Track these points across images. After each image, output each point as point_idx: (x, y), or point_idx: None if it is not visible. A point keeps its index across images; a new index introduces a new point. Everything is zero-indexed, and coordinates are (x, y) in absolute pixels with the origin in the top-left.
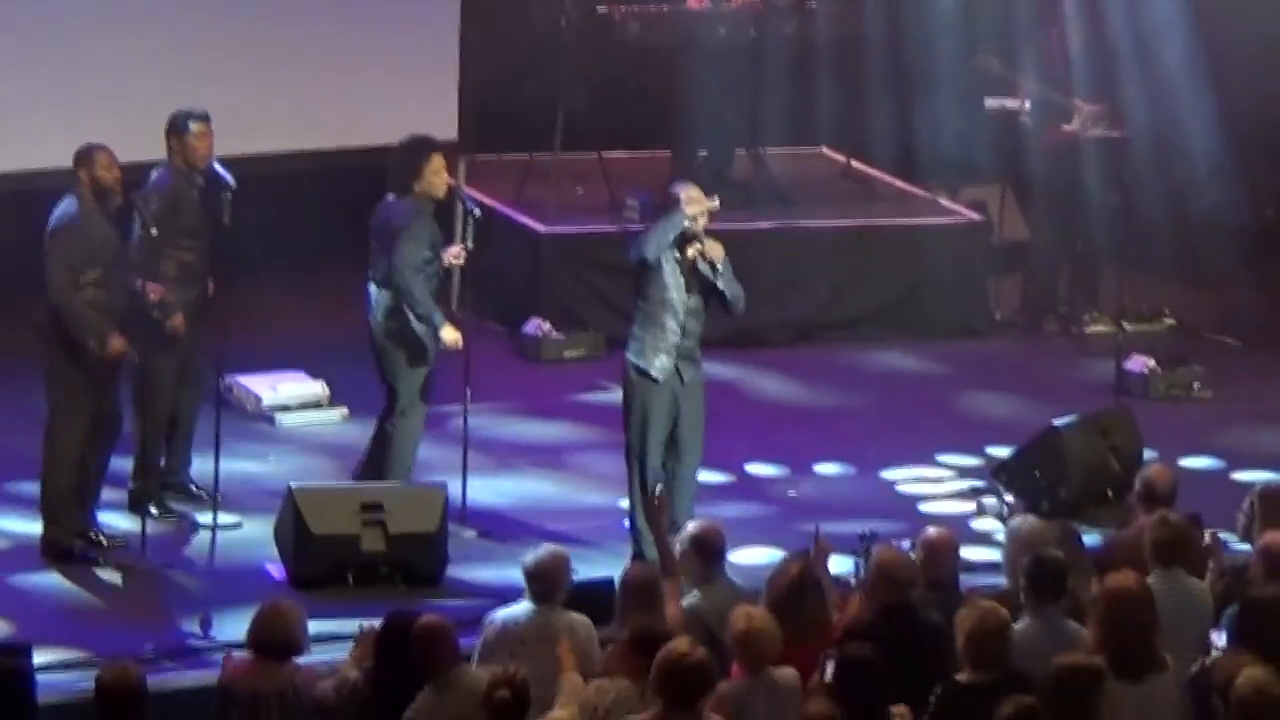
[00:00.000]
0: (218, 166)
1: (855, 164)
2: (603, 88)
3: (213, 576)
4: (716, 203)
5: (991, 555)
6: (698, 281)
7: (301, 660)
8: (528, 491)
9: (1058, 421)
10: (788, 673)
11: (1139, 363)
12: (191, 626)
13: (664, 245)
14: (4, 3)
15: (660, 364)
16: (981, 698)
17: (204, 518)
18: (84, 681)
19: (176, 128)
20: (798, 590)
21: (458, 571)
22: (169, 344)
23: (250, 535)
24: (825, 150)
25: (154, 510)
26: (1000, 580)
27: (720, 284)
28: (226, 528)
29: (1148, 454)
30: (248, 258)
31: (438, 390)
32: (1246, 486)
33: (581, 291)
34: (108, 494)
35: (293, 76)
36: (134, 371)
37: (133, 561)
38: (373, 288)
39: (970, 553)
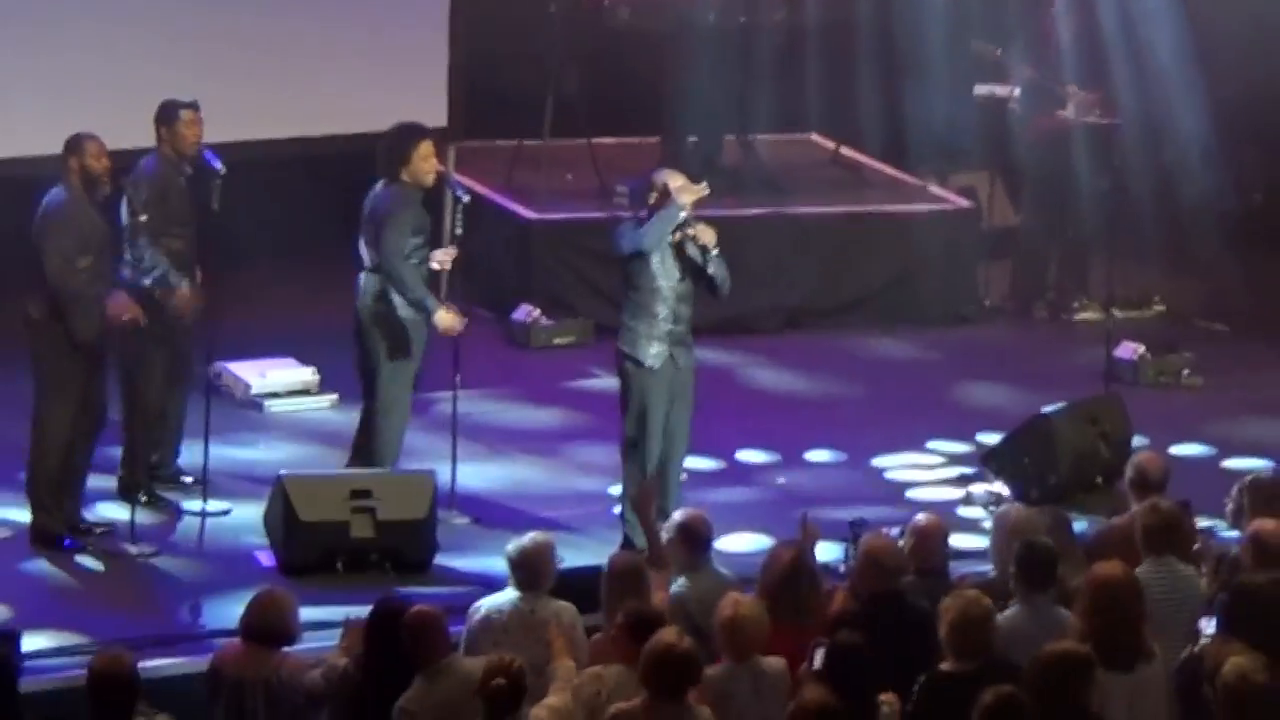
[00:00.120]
0: (207, 154)
1: (844, 150)
2: (592, 74)
3: (202, 563)
4: (706, 188)
5: (979, 543)
6: (687, 266)
7: (286, 650)
8: (517, 478)
9: (1047, 408)
10: (775, 662)
11: (1128, 349)
12: (182, 613)
13: (664, 238)
14: None
15: (655, 352)
16: (965, 686)
17: (193, 505)
18: (73, 668)
19: (166, 116)
20: (792, 576)
21: (447, 558)
22: (162, 332)
23: (239, 522)
24: (815, 137)
25: (143, 498)
26: (988, 567)
27: (711, 269)
28: (215, 514)
29: (1137, 441)
30: (237, 245)
31: (427, 377)
32: (1236, 474)
33: (571, 278)
34: (97, 482)
35: (282, 63)
36: (122, 360)
37: (120, 549)
38: (362, 275)
39: (958, 540)
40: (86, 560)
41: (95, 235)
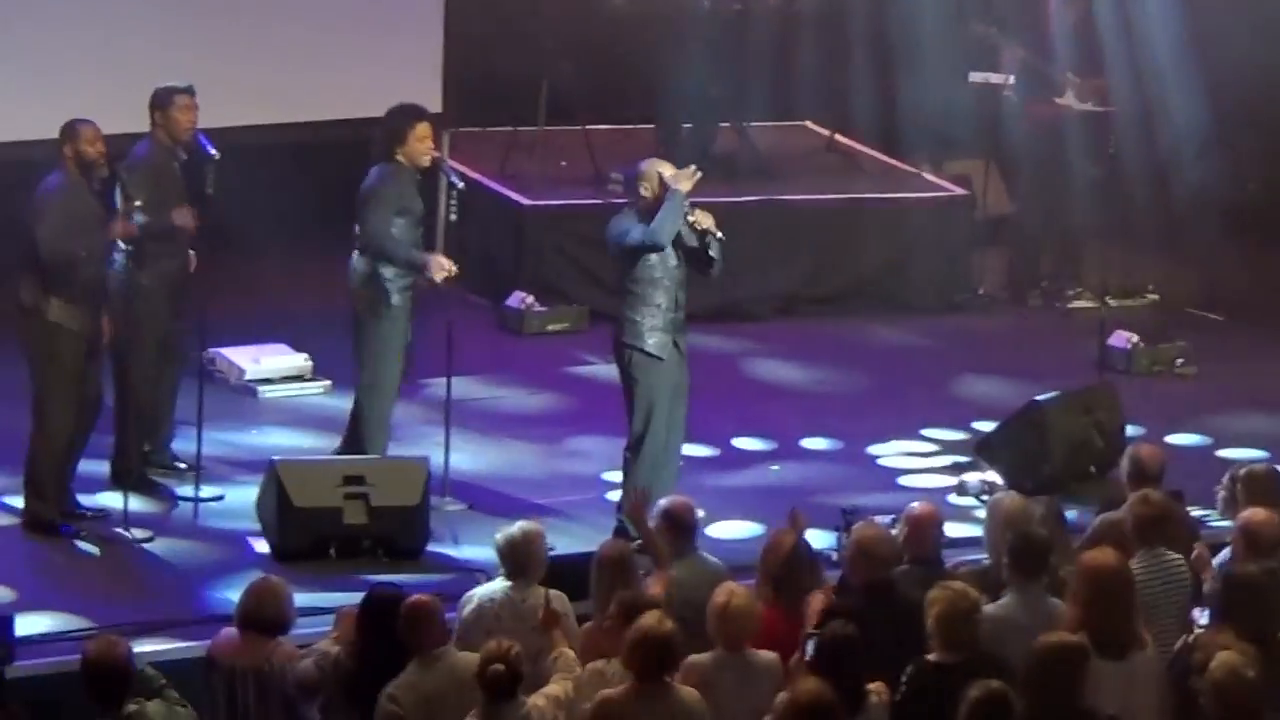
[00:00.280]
0: (201, 139)
1: (839, 138)
2: (587, 61)
3: (195, 549)
4: (697, 172)
5: (971, 531)
6: (684, 252)
7: (280, 639)
8: (510, 465)
9: (1040, 397)
10: (766, 655)
11: (1122, 338)
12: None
13: (677, 227)
14: None
15: (660, 341)
16: (951, 678)
17: (186, 491)
18: (67, 654)
19: (160, 101)
20: (793, 563)
21: (440, 545)
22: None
23: (233, 508)
24: (809, 124)
25: (136, 484)
26: (982, 555)
27: (712, 251)
28: (209, 500)
29: (1131, 430)
30: (231, 230)
31: (420, 363)
32: (1229, 463)
33: (565, 265)
34: (91, 468)
35: (277, 49)
36: (112, 346)
37: (114, 534)
38: (353, 256)
39: (953, 529)
40: (80, 546)
41: (90, 220)
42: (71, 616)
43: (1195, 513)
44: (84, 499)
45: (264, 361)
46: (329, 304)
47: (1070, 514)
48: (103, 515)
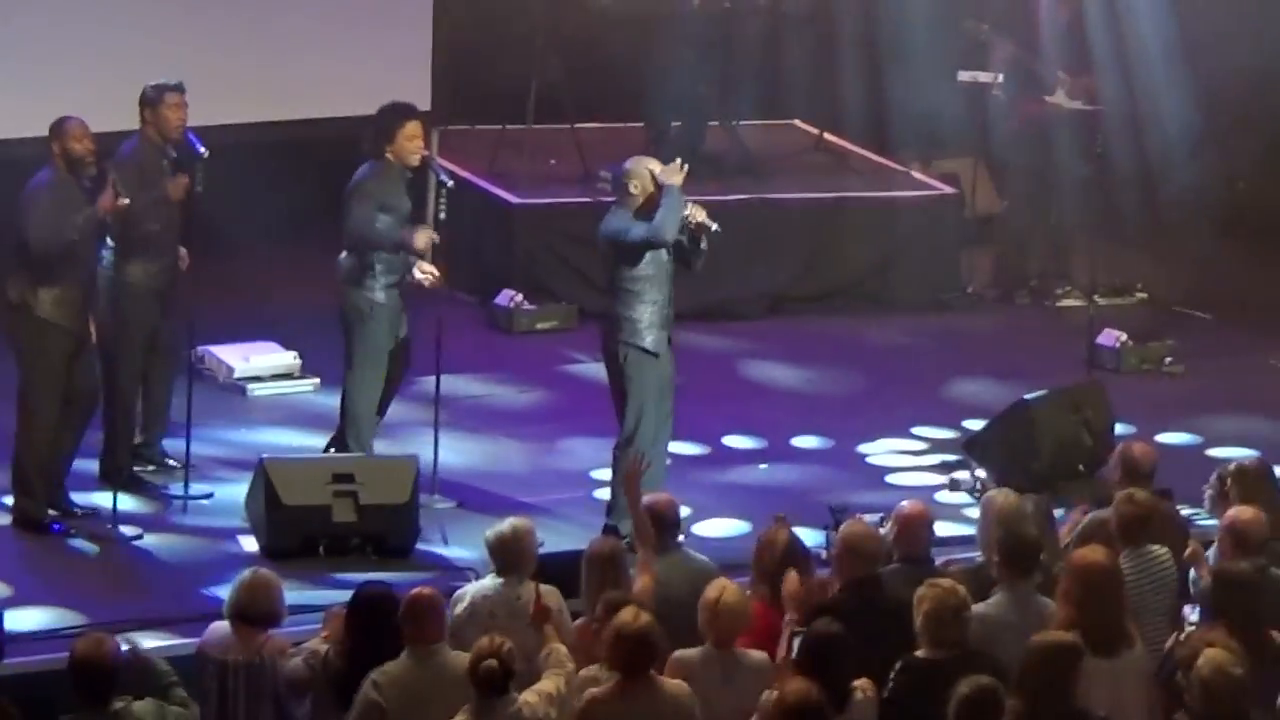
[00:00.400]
0: (190, 137)
1: (828, 136)
2: (576, 59)
3: (184, 547)
4: (684, 165)
5: (959, 530)
6: (673, 247)
7: (271, 632)
8: (499, 463)
9: (1029, 395)
10: (756, 655)
11: (1111, 336)
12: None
13: (680, 222)
14: None
15: (657, 339)
16: (939, 675)
17: (176, 489)
18: (59, 651)
19: (150, 99)
20: (789, 559)
21: (428, 543)
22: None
23: (222, 505)
24: (798, 123)
25: (126, 482)
26: (974, 554)
27: (704, 244)
28: (198, 498)
29: (1120, 428)
30: (219, 228)
31: (410, 360)
32: (1217, 462)
33: (554, 263)
34: (80, 465)
35: (266, 46)
36: (100, 344)
37: (105, 532)
38: (342, 254)
39: (943, 527)
40: (70, 543)
41: (79, 218)
42: (61, 614)
43: (1183, 511)
44: (75, 496)
45: (253, 359)
46: (318, 302)
47: (1058, 512)
48: (92, 513)
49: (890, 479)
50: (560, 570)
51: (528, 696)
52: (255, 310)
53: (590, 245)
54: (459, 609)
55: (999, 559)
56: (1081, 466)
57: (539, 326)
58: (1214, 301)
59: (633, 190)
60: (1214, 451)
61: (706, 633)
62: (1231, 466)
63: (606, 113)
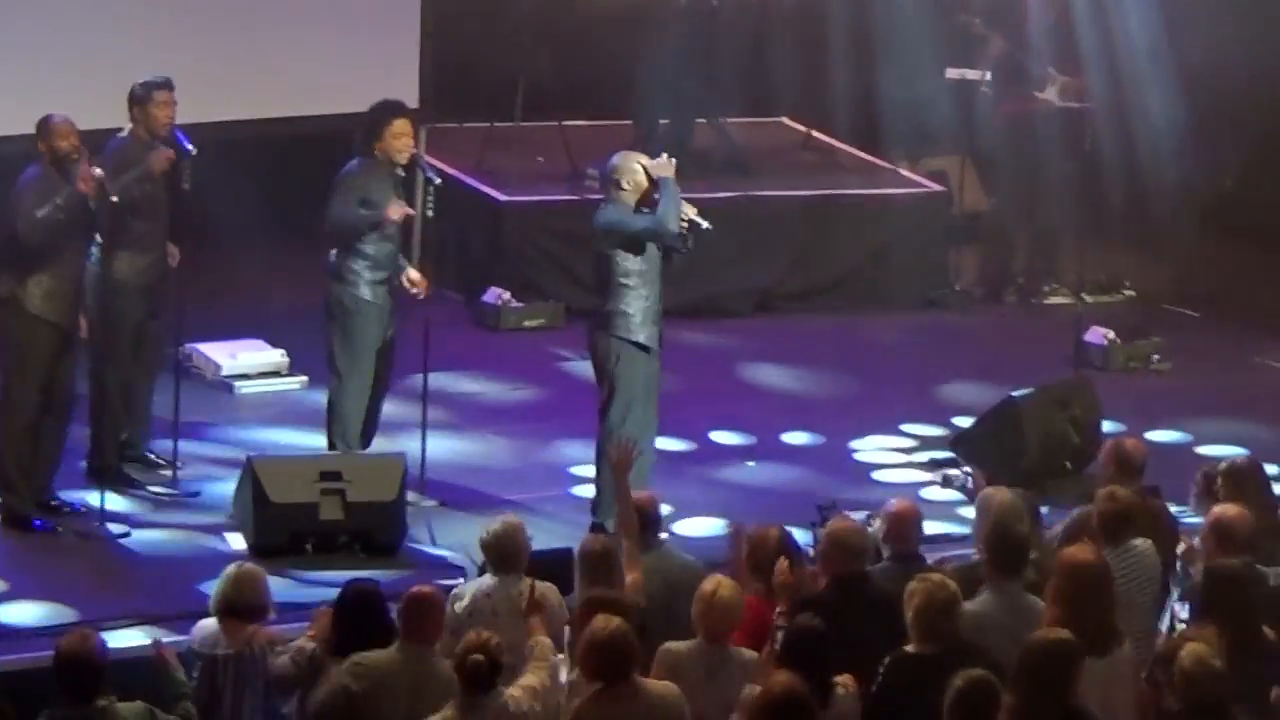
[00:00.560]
0: (178, 134)
1: (816, 134)
2: (564, 56)
3: (171, 545)
4: (671, 159)
5: (948, 528)
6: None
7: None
8: (486, 461)
9: (1016, 393)
10: (746, 652)
11: (1098, 334)
12: None
13: (679, 213)
14: None
15: (650, 334)
16: (930, 669)
17: (163, 486)
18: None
19: (138, 97)
20: (779, 556)
21: (416, 540)
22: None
23: (209, 503)
24: (786, 120)
25: (113, 479)
26: (964, 551)
27: (690, 243)
28: (185, 496)
29: (1106, 426)
30: (206, 226)
31: (397, 358)
32: (1203, 459)
33: (541, 261)
34: (67, 463)
35: (254, 44)
36: (91, 341)
37: (91, 529)
38: (331, 251)
39: (934, 525)
40: (57, 541)
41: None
42: (49, 610)
43: (1170, 509)
44: (61, 494)
45: (240, 357)
46: (306, 300)
47: (1044, 509)
48: (80, 510)
49: (878, 476)
50: (547, 567)
51: (514, 692)
52: (243, 308)
53: (578, 243)
54: (459, 607)
55: (986, 557)
56: (1068, 463)
57: (526, 324)
58: (1201, 299)
59: (625, 186)
60: (1201, 449)
61: (699, 626)
62: (1222, 465)
63: (595, 110)
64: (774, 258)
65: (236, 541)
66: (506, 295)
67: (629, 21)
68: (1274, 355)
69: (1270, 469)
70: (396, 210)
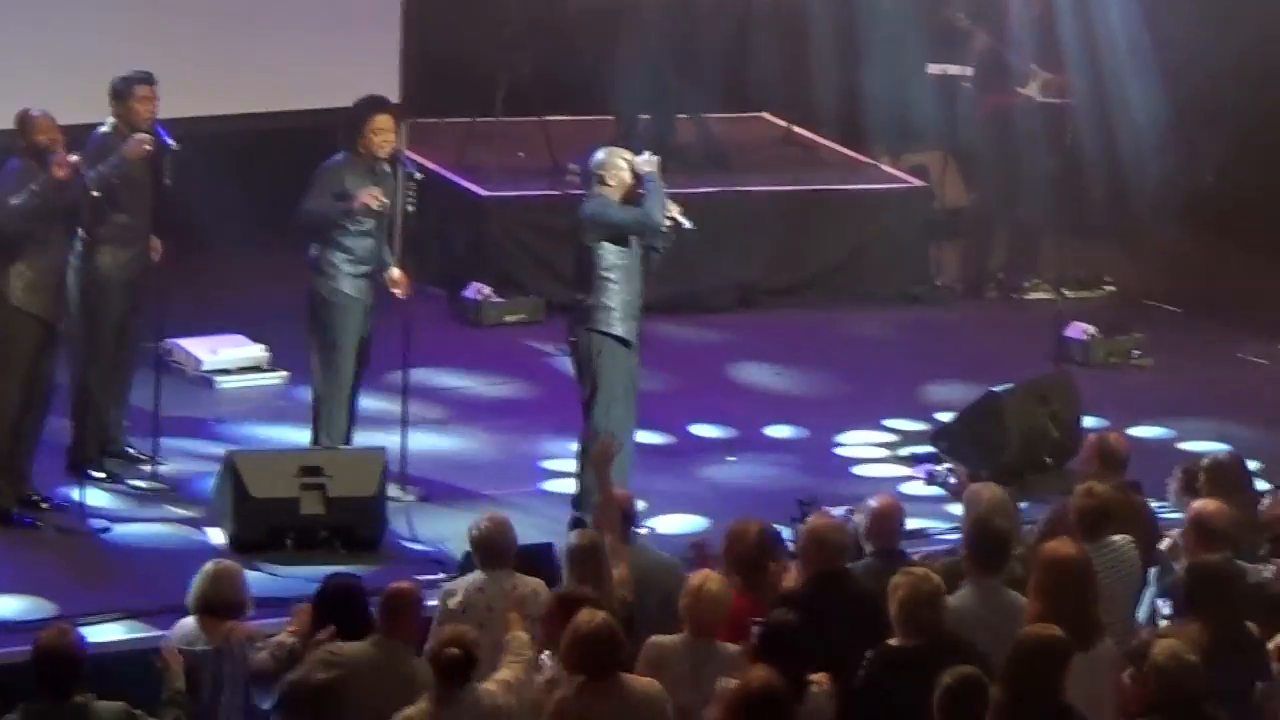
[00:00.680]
0: (159, 129)
1: (797, 129)
2: (545, 51)
3: (151, 539)
4: (654, 156)
5: (930, 524)
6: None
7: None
8: (467, 456)
9: (997, 388)
10: (732, 648)
11: (1079, 330)
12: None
13: (665, 210)
14: None
15: (630, 329)
16: (914, 662)
17: (143, 481)
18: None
19: (119, 91)
20: (760, 551)
21: (396, 535)
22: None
23: (189, 498)
24: (767, 115)
25: (93, 473)
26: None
27: (668, 241)
28: (165, 490)
29: (1087, 421)
30: (188, 221)
31: (377, 353)
32: (1184, 455)
33: (523, 256)
34: (47, 457)
35: (234, 39)
36: (67, 336)
37: (71, 523)
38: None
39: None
40: (37, 535)
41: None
42: (29, 605)
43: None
44: (41, 488)
45: (221, 352)
46: (287, 295)
47: (1024, 504)
48: (61, 505)
49: (860, 471)
50: (529, 561)
51: (489, 686)
52: (223, 303)
53: (559, 238)
54: (452, 602)
55: (967, 553)
56: (1048, 459)
57: (507, 319)
58: (1182, 295)
59: (609, 182)
60: (1180, 445)
61: (685, 618)
62: (1204, 460)
63: (576, 106)
64: (755, 253)
65: (217, 536)
66: (487, 290)
67: (610, 17)
68: (1255, 350)
69: (1252, 464)
70: (367, 195)
